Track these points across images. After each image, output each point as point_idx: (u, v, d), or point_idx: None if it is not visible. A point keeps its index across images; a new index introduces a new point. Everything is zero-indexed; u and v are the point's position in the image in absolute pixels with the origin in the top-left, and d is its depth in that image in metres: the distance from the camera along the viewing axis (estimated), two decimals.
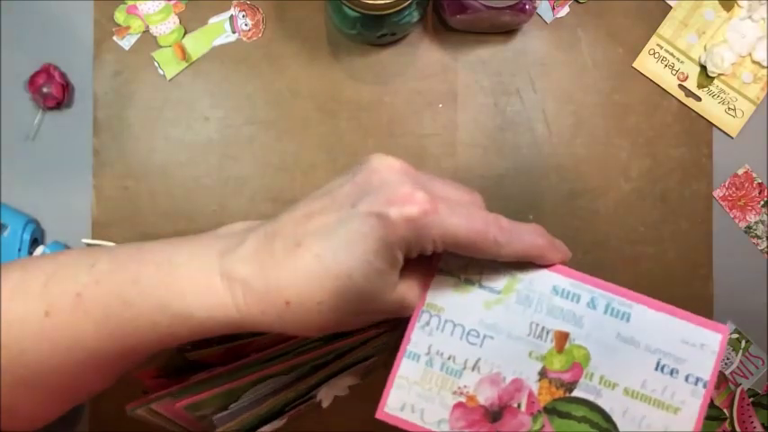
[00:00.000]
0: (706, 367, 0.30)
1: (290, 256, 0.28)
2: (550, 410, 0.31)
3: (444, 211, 0.28)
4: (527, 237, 0.30)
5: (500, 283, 0.32)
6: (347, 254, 0.28)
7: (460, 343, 0.31)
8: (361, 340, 0.37)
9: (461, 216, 0.29)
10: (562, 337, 0.31)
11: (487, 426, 0.31)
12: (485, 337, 0.31)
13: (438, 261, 0.32)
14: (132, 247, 0.32)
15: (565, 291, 0.32)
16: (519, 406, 0.31)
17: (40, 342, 0.30)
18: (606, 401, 0.30)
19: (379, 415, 0.31)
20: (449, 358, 0.31)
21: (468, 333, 0.31)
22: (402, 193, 0.28)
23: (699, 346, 0.30)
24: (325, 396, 0.38)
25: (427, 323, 0.32)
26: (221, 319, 0.29)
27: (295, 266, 0.28)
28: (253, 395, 0.35)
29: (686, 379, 0.30)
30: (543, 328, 0.31)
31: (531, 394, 0.31)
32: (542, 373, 0.31)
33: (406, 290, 0.31)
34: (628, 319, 0.31)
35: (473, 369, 0.31)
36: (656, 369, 0.31)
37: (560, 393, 0.31)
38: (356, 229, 0.28)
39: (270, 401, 0.36)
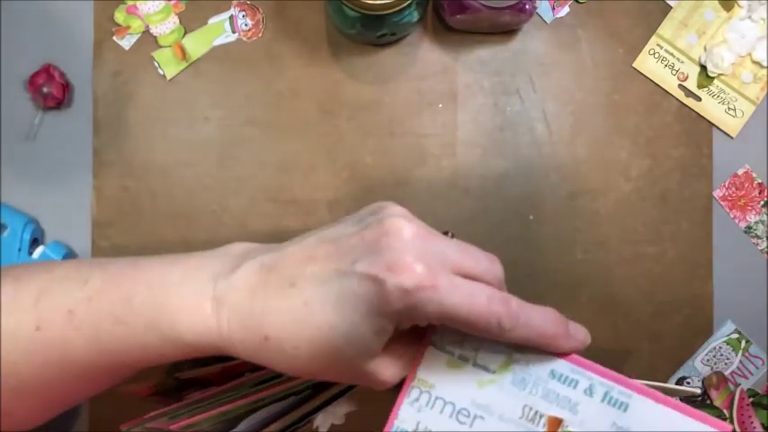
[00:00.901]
0: None
1: (281, 295, 0.28)
2: None
3: (445, 288, 0.27)
4: (537, 323, 0.29)
5: (496, 362, 0.31)
6: (334, 309, 0.27)
7: (450, 421, 0.30)
8: None
9: (463, 295, 0.27)
10: (555, 423, 0.30)
11: None
12: (475, 417, 0.30)
13: (430, 336, 0.31)
14: (126, 263, 0.32)
15: (563, 375, 0.30)
16: None
17: (31, 355, 0.31)
18: None
19: None
20: None
21: (459, 412, 0.30)
22: (403, 263, 0.27)
23: None
24: (322, 423, 0.38)
25: (416, 399, 0.31)
26: (207, 343, 0.29)
27: (282, 305, 0.28)
28: (251, 422, 0.35)
29: None
30: (537, 412, 0.30)
31: None
32: None
33: (384, 366, 0.30)
34: (625, 410, 0.30)
35: None
36: None
37: None
38: (350, 287, 0.27)
39: (268, 429, 0.36)
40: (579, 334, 0.30)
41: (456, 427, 0.30)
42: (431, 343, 0.31)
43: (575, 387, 0.30)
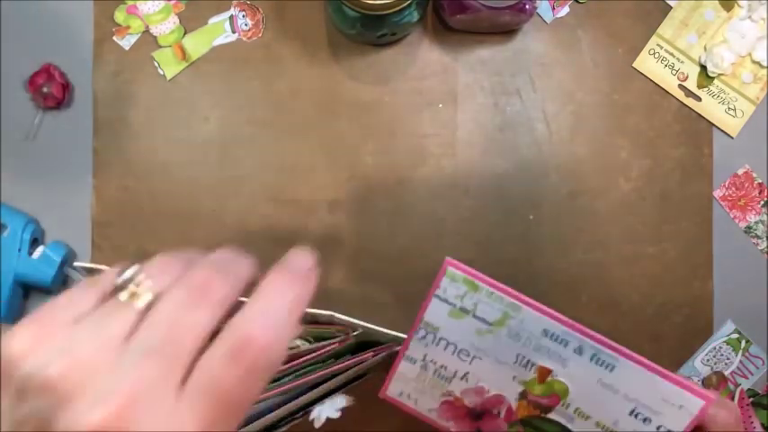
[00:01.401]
0: (680, 423, 0.32)
1: None
2: (526, 423, 0.34)
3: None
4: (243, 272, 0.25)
5: (492, 316, 0.33)
6: None
7: (452, 357, 0.34)
8: (354, 363, 0.38)
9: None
10: (545, 372, 0.33)
11: (469, 422, 0.34)
12: (474, 357, 0.34)
13: (434, 291, 0.34)
14: None
15: (555, 335, 0.33)
16: (498, 413, 0.34)
17: None
18: (578, 427, 0.33)
19: (381, 395, 0.35)
20: (441, 367, 0.34)
21: (460, 351, 0.34)
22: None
23: (677, 406, 0.32)
24: (318, 417, 0.39)
25: (423, 337, 0.34)
26: None
27: None
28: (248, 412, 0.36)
29: (657, 429, 0.32)
30: (529, 360, 0.33)
31: (510, 408, 0.34)
32: (523, 395, 0.34)
33: None
34: (612, 370, 0.32)
35: (461, 379, 0.34)
36: (630, 414, 0.32)
37: (537, 413, 0.34)
38: None
39: (263, 419, 0.36)
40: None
41: (457, 362, 0.34)
42: (434, 295, 0.34)
43: (565, 346, 0.33)
